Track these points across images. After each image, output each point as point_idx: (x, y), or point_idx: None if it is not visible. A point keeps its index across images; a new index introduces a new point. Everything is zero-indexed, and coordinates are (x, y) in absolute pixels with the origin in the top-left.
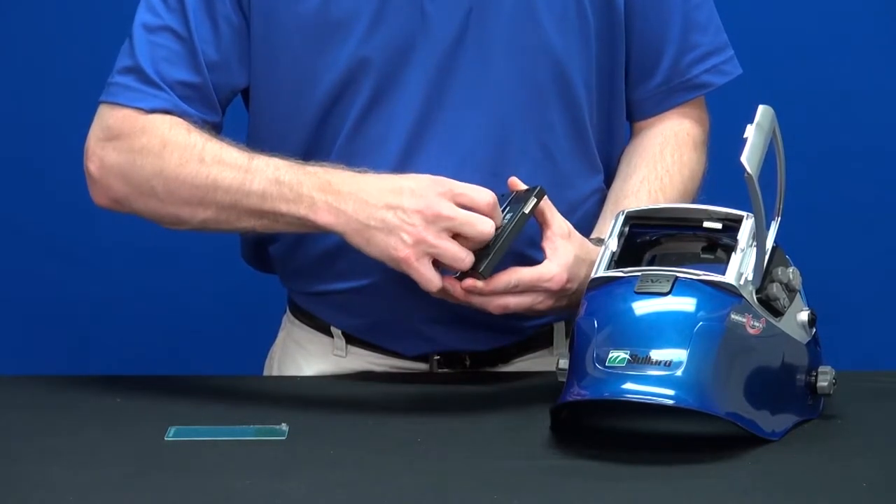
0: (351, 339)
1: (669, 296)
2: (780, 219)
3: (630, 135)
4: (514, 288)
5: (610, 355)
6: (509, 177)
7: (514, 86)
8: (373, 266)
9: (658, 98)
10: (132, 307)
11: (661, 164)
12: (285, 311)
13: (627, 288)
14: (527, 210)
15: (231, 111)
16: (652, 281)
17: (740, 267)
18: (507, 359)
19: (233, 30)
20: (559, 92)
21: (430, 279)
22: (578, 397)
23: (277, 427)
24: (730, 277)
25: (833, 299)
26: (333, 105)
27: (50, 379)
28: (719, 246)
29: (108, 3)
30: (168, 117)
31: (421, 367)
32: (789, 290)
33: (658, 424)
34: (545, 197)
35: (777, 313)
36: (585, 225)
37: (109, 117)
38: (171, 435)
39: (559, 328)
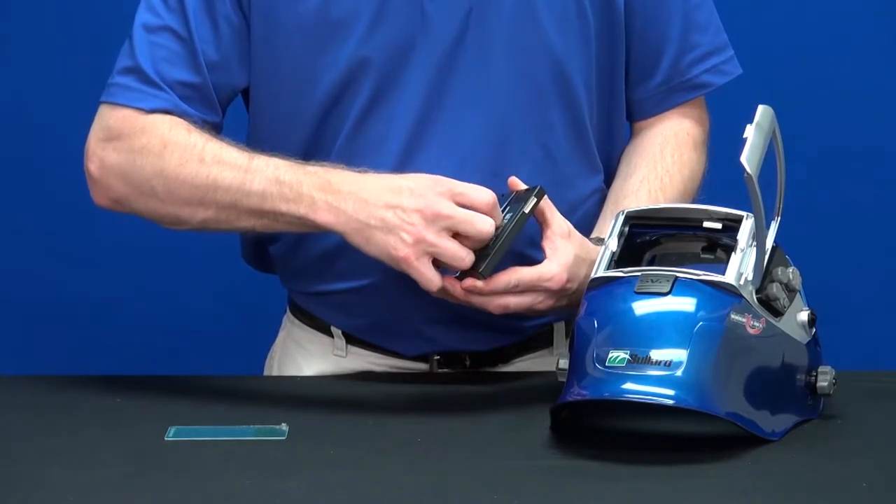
0: (351, 339)
1: (669, 296)
2: (780, 219)
3: (630, 135)
4: (514, 288)
5: (610, 355)
6: (509, 177)
7: (514, 86)
8: (373, 266)
9: (658, 98)
10: (132, 307)
11: (661, 163)
12: (285, 311)
13: (627, 288)
14: (527, 210)
15: (231, 111)
16: (652, 281)
17: (740, 267)
18: (507, 359)
19: (233, 30)
20: (559, 92)
21: (430, 278)
22: (578, 397)
23: (277, 427)
24: (730, 277)
25: (833, 299)
26: (333, 105)
27: (50, 379)
28: (719, 246)
29: (108, 3)
30: (168, 117)
31: (421, 367)
32: (789, 290)
33: (658, 424)
34: (545, 196)
35: (777, 313)
36: (585, 225)
37: (110, 117)
38: (171, 435)
39: (559, 328)
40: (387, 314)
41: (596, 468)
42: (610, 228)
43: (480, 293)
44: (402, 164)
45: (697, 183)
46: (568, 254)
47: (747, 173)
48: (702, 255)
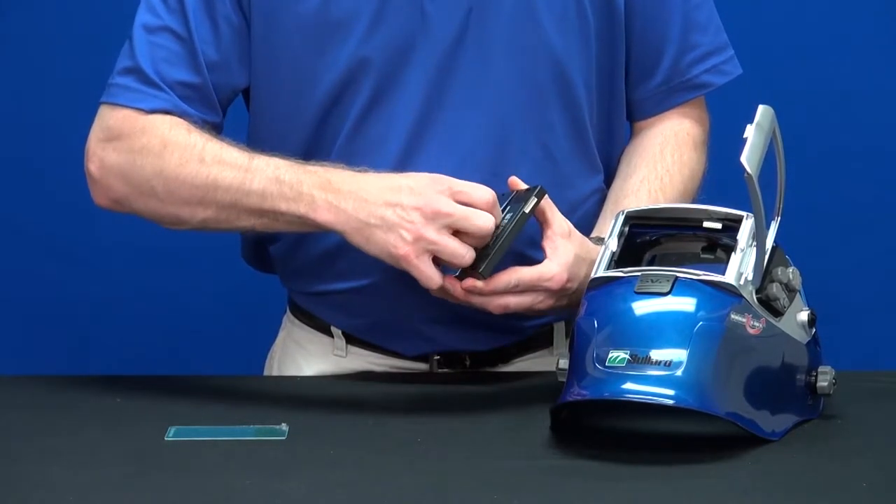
0: (351, 339)
1: (669, 296)
2: (780, 219)
3: (630, 135)
4: (514, 287)
5: (610, 355)
6: (509, 177)
7: (514, 86)
8: (373, 266)
9: (658, 98)
10: (132, 307)
11: (661, 163)
12: (285, 311)
13: (627, 288)
14: (527, 210)
15: (231, 111)
16: (652, 281)
17: (740, 267)
18: (507, 359)
19: (233, 30)
20: (559, 92)
21: (430, 276)
22: (578, 397)
23: (277, 427)
24: (730, 277)
25: (833, 299)
26: (333, 105)
27: (50, 379)
28: (719, 246)
29: (108, 3)
30: (168, 117)
31: (421, 367)
32: (789, 290)
33: (658, 424)
34: (546, 196)
35: (777, 313)
36: (585, 225)
37: (110, 118)
38: (171, 435)
39: (559, 328)
40: (387, 314)
41: (596, 468)
42: (610, 228)
43: (480, 293)
44: (402, 163)
45: (697, 183)
46: (568, 253)
47: (747, 173)
48: (702, 255)
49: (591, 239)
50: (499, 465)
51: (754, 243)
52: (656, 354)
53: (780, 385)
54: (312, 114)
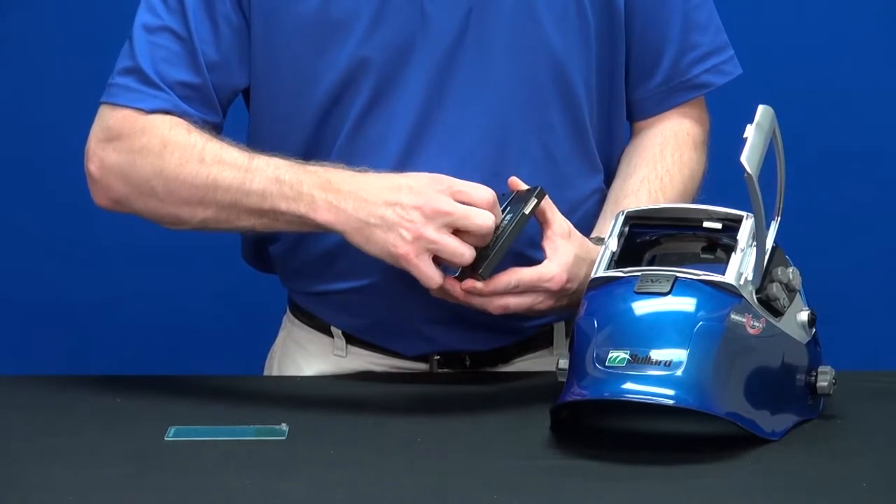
0: (351, 339)
1: (669, 296)
2: (780, 219)
3: (630, 135)
4: (514, 288)
5: (610, 355)
6: (509, 177)
7: (514, 86)
8: (373, 266)
9: (658, 98)
10: (132, 307)
11: (661, 163)
12: (285, 311)
13: (627, 288)
14: (527, 211)
15: (231, 111)
16: (652, 281)
17: (740, 267)
18: (507, 359)
19: (233, 30)
20: (559, 92)
21: (430, 275)
22: (578, 397)
23: (277, 427)
24: (730, 277)
25: (833, 299)
26: (333, 105)
27: (50, 379)
28: (719, 246)
29: (108, 3)
30: (168, 117)
31: (421, 367)
32: (789, 290)
33: (658, 424)
34: (546, 197)
35: (777, 313)
36: (585, 225)
37: (110, 118)
38: (171, 435)
39: (559, 328)
40: (387, 314)
41: (596, 468)
42: (610, 228)
43: (480, 294)
44: (402, 163)
45: (697, 183)
46: (568, 254)
47: (747, 173)
48: (702, 255)
49: (590, 239)
50: (499, 465)
51: (754, 243)
52: (656, 354)
53: (780, 385)
54: (312, 114)
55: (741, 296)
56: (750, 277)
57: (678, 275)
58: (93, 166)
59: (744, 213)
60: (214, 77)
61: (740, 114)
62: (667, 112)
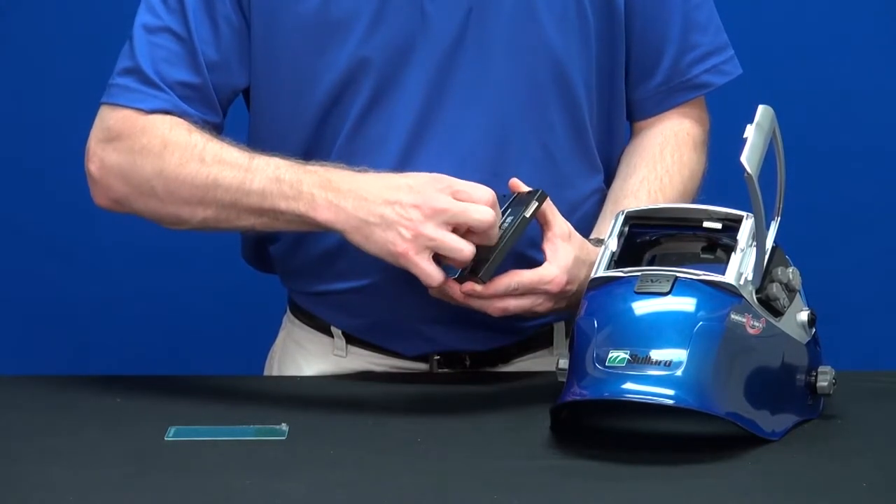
0: (351, 339)
1: (669, 296)
2: (780, 219)
3: (630, 135)
4: (513, 291)
5: (610, 355)
6: (509, 176)
7: (514, 86)
8: (373, 266)
9: (658, 98)
10: (132, 307)
11: (660, 164)
12: (285, 311)
13: (627, 288)
14: (528, 214)
15: (231, 111)
16: (652, 281)
17: (740, 267)
18: (507, 359)
19: (233, 30)
20: (559, 92)
21: (430, 273)
22: (578, 397)
23: (277, 427)
24: (730, 277)
25: (833, 299)
26: (333, 105)
27: (50, 379)
28: (719, 246)
29: (108, 3)
30: (168, 118)
31: (421, 367)
32: (789, 290)
33: (658, 424)
34: (547, 199)
35: (777, 313)
36: (585, 225)
37: (110, 118)
38: (171, 435)
39: (559, 328)
40: (387, 314)
41: (596, 468)
42: (610, 228)
43: (480, 296)
44: (403, 163)
45: (697, 183)
46: (568, 256)
47: (747, 173)
48: (702, 255)
49: (590, 240)
50: (499, 465)
51: (754, 243)
52: (656, 354)
53: (780, 385)
54: (312, 114)
55: (741, 296)
56: (750, 277)
57: (678, 275)
58: (93, 166)
59: (744, 213)
60: (214, 77)
61: (740, 114)
62: (667, 112)
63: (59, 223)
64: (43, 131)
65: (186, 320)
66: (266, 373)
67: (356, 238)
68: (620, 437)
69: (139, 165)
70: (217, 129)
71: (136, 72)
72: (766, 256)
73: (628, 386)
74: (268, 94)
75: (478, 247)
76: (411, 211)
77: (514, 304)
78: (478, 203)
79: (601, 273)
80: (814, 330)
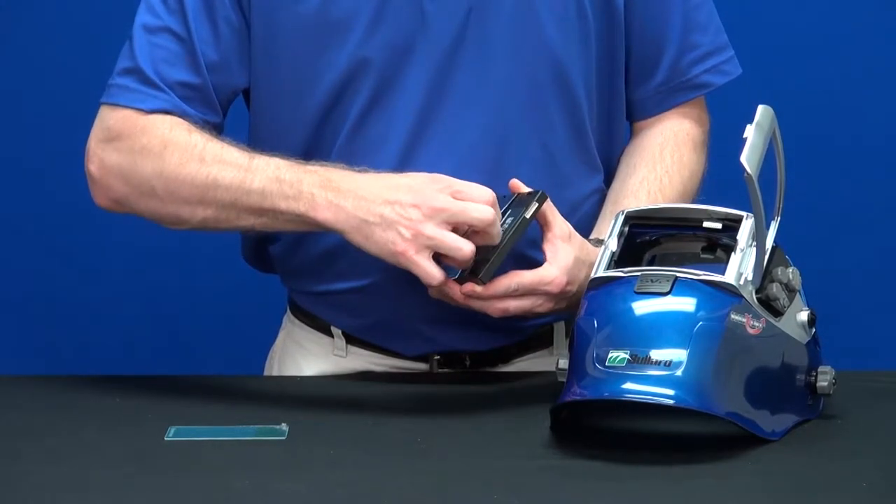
0: (351, 339)
1: (669, 296)
2: (779, 219)
3: (630, 135)
4: (514, 292)
5: (610, 355)
6: (509, 176)
7: (514, 86)
8: (373, 266)
9: (658, 98)
10: (132, 307)
11: (660, 164)
12: (285, 311)
13: (627, 288)
14: (528, 215)
15: (231, 111)
16: (652, 281)
17: (740, 267)
18: (507, 359)
19: (233, 30)
20: (559, 92)
21: (430, 272)
22: (578, 397)
23: (277, 427)
24: (730, 277)
25: (833, 299)
26: (333, 105)
27: (50, 379)
28: (719, 246)
29: (108, 3)
30: (168, 118)
31: (421, 367)
32: (789, 290)
33: (658, 424)
34: (547, 200)
35: (777, 313)
36: (585, 225)
37: (110, 118)
38: (171, 435)
39: (559, 328)
40: (387, 314)
41: (596, 468)
42: (610, 228)
43: (480, 297)
44: (403, 163)
45: (697, 183)
46: (568, 257)
47: (747, 173)
48: (702, 255)
49: (590, 241)
50: (499, 465)
51: (754, 243)
52: (656, 354)
53: (779, 385)
54: (312, 114)
55: (741, 296)
56: (750, 277)
57: (678, 275)
58: (93, 166)
59: (744, 213)
60: (214, 77)
61: (740, 114)
62: (667, 112)
63: (59, 223)
64: (43, 131)
65: (186, 320)
66: (266, 373)
67: (356, 238)
68: (620, 437)
69: (139, 165)
70: (217, 129)
71: (135, 72)
72: (766, 256)
73: (628, 386)
74: (268, 94)
75: (478, 248)
76: (411, 210)
77: (514, 304)
78: (477, 202)
79: (601, 273)
80: (814, 330)
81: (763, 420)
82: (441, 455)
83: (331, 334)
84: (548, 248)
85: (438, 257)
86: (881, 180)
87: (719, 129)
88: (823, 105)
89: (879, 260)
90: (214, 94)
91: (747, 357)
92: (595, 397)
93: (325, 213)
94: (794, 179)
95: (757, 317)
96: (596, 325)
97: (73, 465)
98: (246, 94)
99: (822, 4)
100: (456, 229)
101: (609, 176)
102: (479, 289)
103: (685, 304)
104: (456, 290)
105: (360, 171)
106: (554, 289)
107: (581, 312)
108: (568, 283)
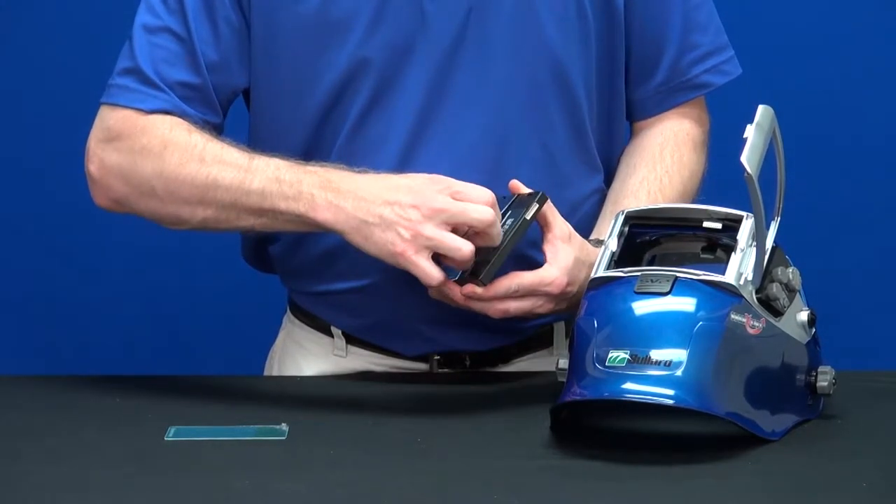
0: (351, 339)
1: (669, 296)
2: (779, 219)
3: (630, 135)
4: (514, 293)
5: (610, 355)
6: (509, 177)
7: (514, 86)
8: (373, 266)
9: (658, 98)
10: (132, 307)
11: (660, 164)
12: (285, 311)
13: (627, 288)
14: (528, 216)
15: (231, 111)
16: (652, 281)
17: (740, 267)
18: (507, 359)
19: (233, 30)
20: (559, 92)
21: (429, 273)
22: (578, 397)
23: (277, 427)
24: (730, 277)
25: (833, 299)
26: (333, 105)
27: (50, 379)
28: (719, 246)
29: (108, 3)
30: (168, 118)
31: (421, 367)
32: (789, 290)
33: (658, 424)
34: (548, 200)
35: (777, 313)
36: (585, 225)
37: (110, 118)
38: (171, 435)
39: (559, 328)
40: (387, 314)
41: (596, 468)
42: (610, 228)
43: (480, 299)
44: (403, 164)
45: (697, 183)
46: (568, 257)
47: (747, 173)
48: (702, 255)
49: (590, 241)
50: (499, 465)
51: (754, 243)
52: (656, 354)
53: (779, 385)
54: (312, 114)
55: (741, 296)
56: (750, 277)
57: (678, 275)
58: (93, 166)
59: (744, 213)
60: (214, 77)
61: (740, 114)
62: (667, 112)
63: (59, 223)
64: (43, 131)
65: (186, 320)
66: (266, 373)
67: (356, 238)
68: (620, 437)
69: (139, 165)
70: (217, 129)
71: (135, 72)
72: (766, 256)
73: (628, 386)
74: (268, 94)
75: (478, 249)
76: (410, 211)
77: (514, 305)
78: (477, 203)
79: (601, 273)
80: (814, 330)
81: (763, 420)
82: (441, 455)
83: (331, 334)
84: (548, 248)
85: (438, 258)
86: (881, 180)
87: (719, 129)
88: (823, 105)
89: (879, 260)
90: (214, 95)
91: (747, 357)
92: (595, 397)
93: (324, 213)
94: (794, 179)
95: (757, 317)
96: (596, 325)
97: (73, 465)
98: (246, 94)
99: (822, 4)
100: (456, 230)
101: (609, 176)
102: (479, 290)
103: (685, 304)
104: (456, 291)
105: (359, 172)
106: (554, 289)
107: (581, 312)
108: (568, 284)
